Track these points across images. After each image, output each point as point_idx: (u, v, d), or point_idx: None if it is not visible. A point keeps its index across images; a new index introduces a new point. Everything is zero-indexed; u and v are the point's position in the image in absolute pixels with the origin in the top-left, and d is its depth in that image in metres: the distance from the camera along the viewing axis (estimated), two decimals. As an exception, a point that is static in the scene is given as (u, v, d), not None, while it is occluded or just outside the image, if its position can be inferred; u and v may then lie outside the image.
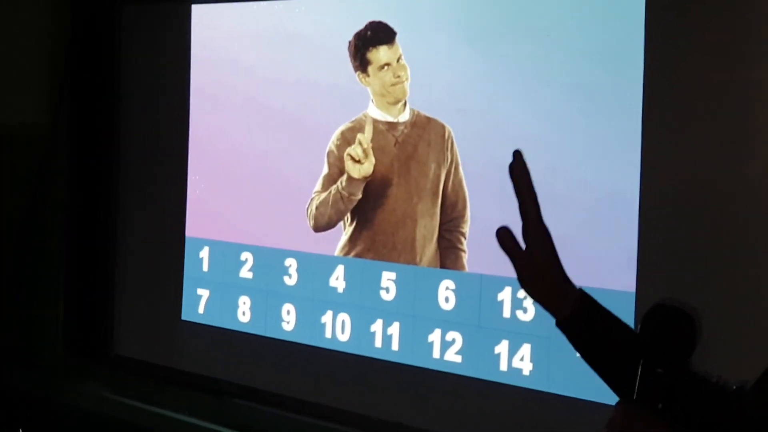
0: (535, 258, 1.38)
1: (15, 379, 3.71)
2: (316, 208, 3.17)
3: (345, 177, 3.09)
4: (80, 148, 3.70)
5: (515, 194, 1.36)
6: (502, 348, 2.77)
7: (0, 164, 3.74)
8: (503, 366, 2.76)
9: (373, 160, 3.04)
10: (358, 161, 3.06)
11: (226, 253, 3.40)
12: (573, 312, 1.38)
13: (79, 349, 3.72)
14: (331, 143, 3.12)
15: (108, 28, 3.58)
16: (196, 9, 3.45)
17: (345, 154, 3.08)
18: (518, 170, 1.37)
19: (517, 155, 1.37)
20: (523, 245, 1.37)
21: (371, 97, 3.02)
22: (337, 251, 3.12)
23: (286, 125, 3.26)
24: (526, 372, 2.73)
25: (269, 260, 3.29)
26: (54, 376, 3.66)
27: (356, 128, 3.07)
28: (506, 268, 1.40)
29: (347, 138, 3.09)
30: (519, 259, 1.38)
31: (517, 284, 1.40)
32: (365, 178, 3.05)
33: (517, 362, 2.75)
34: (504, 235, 1.37)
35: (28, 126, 3.70)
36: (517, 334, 2.75)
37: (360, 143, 3.04)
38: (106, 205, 3.67)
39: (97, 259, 3.71)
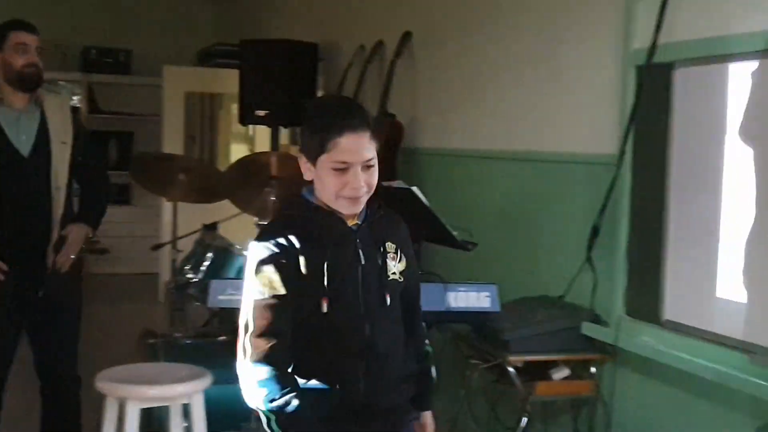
0: None
1: (595, 331, 5.31)
2: None
3: None
4: (637, 172, 5.19)
5: None
6: None
7: (581, 181, 5.50)
8: None
9: None
10: None
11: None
12: None
13: (637, 314, 5.23)
14: None
15: (664, 86, 4.99)
16: (732, 67, 4.69)
17: None
18: None
19: None
20: None
21: None
22: None
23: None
24: None
25: None
26: (618, 331, 5.20)
27: None
28: None
29: None
30: None
31: None
32: None
33: None
34: None
35: (605, 155, 5.33)
36: None
37: None
38: (658, 212, 5.10)
39: (648, 245, 5.15)
